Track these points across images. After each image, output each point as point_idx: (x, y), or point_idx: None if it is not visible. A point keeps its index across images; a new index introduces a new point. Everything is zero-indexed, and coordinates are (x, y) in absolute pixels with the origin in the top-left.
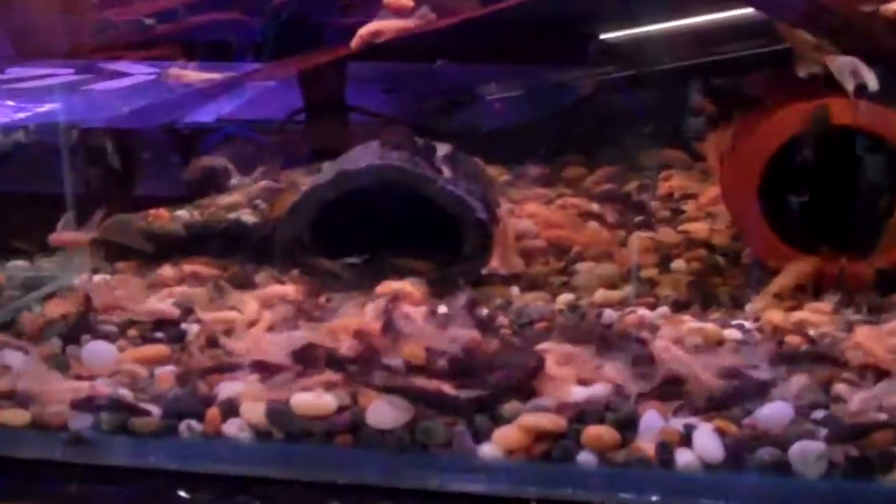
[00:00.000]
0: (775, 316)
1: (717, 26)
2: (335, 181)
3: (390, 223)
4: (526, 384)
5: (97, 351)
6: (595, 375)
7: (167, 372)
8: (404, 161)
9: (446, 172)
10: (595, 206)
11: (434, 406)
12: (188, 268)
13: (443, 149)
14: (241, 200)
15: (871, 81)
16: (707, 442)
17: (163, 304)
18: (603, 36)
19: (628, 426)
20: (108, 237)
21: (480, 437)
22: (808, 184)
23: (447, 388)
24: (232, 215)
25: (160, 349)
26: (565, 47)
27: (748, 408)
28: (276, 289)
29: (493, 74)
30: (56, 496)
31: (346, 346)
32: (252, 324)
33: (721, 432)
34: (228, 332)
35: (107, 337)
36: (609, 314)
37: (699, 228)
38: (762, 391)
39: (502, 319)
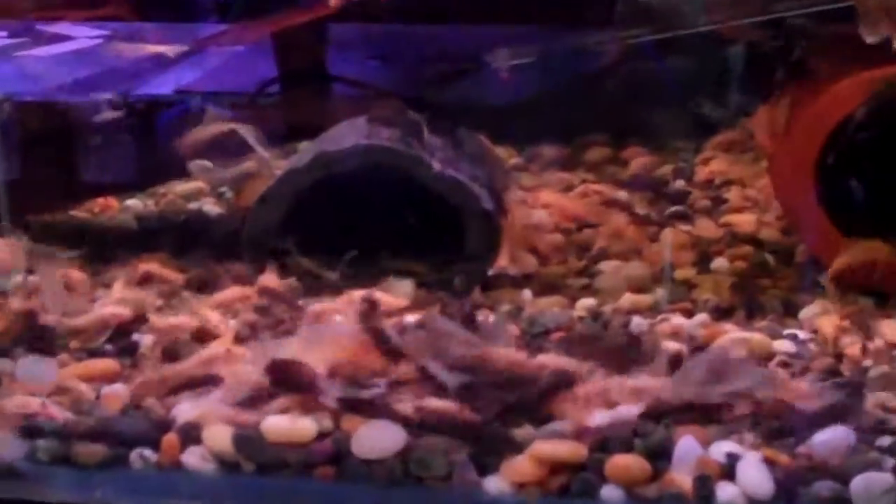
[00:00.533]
0: (832, 324)
1: None
2: (314, 164)
3: (380, 215)
4: (542, 405)
5: (34, 366)
6: (621, 395)
7: (116, 391)
8: (396, 141)
9: (446, 154)
10: (622, 194)
11: (436, 431)
12: (141, 267)
13: (441, 126)
14: (202, 188)
15: None
16: (754, 474)
17: (111, 310)
18: None
19: (660, 455)
20: None
21: (486, 468)
22: (874, 167)
23: (454, 410)
24: (192, 205)
25: (108, 364)
26: (587, 5)
27: (802, 433)
28: (245, 293)
29: (501, 38)
30: None
31: (326, 366)
32: (217, 334)
33: (770, 462)
34: (189, 344)
35: (45, 349)
36: (638, 322)
37: (745, 221)
38: (819, 416)
39: (512, 328)
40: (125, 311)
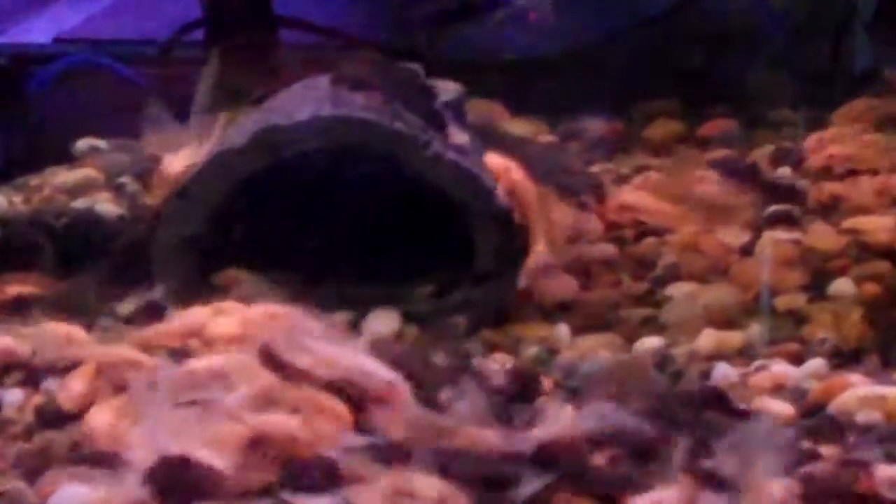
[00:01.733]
0: None
1: None
2: (255, 144)
3: (352, 216)
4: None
5: None
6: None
7: None
8: (374, 111)
9: (450, 131)
10: (700, 188)
11: None
12: (10, 292)
13: (448, 91)
14: (94, 177)
15: None
16: None
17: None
18: None
19: None
20: None
21: None
22: None
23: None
24: (80, 203)
25: None
26: None
27: None
28: (156, 331)
29: None
30: None
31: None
32: (118, 386)
33: None
34: (75, 403)
35: None
36: (723, 372)
37: (878, 225)
38: None
39: (542, 381)
40: (22, 349)
